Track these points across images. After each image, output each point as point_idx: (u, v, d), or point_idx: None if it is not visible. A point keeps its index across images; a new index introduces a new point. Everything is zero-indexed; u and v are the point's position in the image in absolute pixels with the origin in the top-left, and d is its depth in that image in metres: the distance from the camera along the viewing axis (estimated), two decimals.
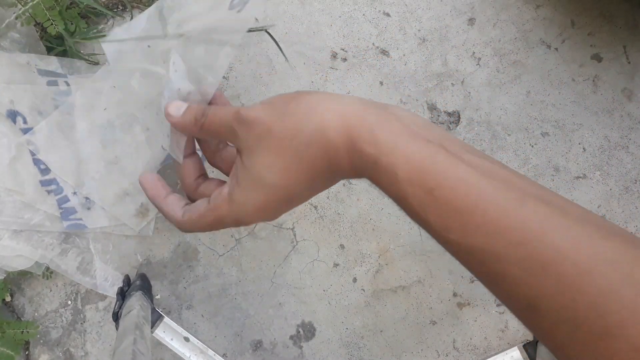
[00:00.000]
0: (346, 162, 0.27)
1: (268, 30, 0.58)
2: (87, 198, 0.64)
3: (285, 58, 0.63)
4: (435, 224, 0.23)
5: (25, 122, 0.63)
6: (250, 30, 0.59)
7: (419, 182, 0.23)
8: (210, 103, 0.36)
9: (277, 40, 0.61)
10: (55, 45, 0.62)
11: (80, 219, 0.64)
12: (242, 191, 0.29)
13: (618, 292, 0.18)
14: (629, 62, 0.63)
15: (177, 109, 0.33)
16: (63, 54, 0.62)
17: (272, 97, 0.28)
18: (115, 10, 0.66)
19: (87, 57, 0.64)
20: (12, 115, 0.63)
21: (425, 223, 0.23)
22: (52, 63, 0.63)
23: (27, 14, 0.60)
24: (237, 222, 0.30)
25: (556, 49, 0.64)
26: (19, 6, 0.60)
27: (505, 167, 0.23)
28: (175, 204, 0.33)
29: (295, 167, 0.28)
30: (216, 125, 0.30)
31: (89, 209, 0.64)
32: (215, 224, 0.31)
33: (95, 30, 0.65)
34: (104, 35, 0.65)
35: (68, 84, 0.64)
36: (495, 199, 0.22)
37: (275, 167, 0.28)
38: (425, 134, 0.24)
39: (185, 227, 0.33)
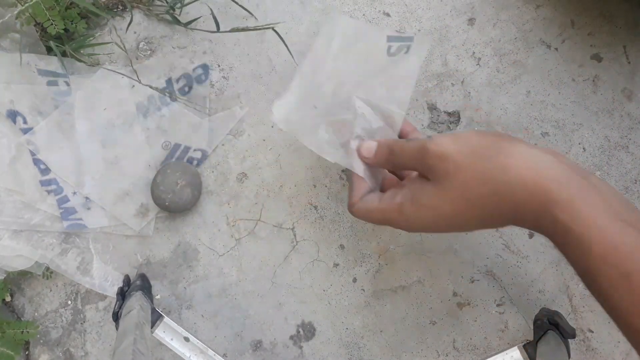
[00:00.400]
0: (530, 220, 0.27)
1: (275, 29, 0.58)
2: (87, 198, 0.64)
3: (292, 56, 0.63)
4: (626, 309, 0.22)
5: (25, 122, 0.63)
6: (255, 29, 0.58)
7: (614, 262, 0.22)
8: (400, 132, 0.41)
9: (276, 40, 0.62)
10: (55, 45, 0.62)
11: (80, 219, 0.64)
12: (416, 209, 0.32)
13: None
14: (629, 62, 0.63)
15: (369, 150, 0.37)
16: (63, 54, 0.62)
17: (468, 134, 0.30)
18: (115, 10, 0.66)
19: (85, 59, 0.64)
20: (12, 115, 0.63)
21: (612, 305, 0.23)
22: (52, 63, 0.63)
23: (27, 13, 0.60)
24: (401, 228, 0.34)
25: (556, 49, 0.64)
26: (19, 6, 0.60)
27: None
28: (361, 188, 0.38)
29: (474, 212, 0.29)
30: (405, 159, 0.33)
31: (89, 209, 0.64)
32: (379, 222, 0.36)
33: (91, 38, 0.64)
34: (99, 44, 0.65)
35: (68, 84, 0.64)
36: None
37: (455, 205, 0.30)
38: (626, 215, 0.24)
39: (353, 211, 0.39)
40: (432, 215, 0.31)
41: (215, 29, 0.62)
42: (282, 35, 0.60)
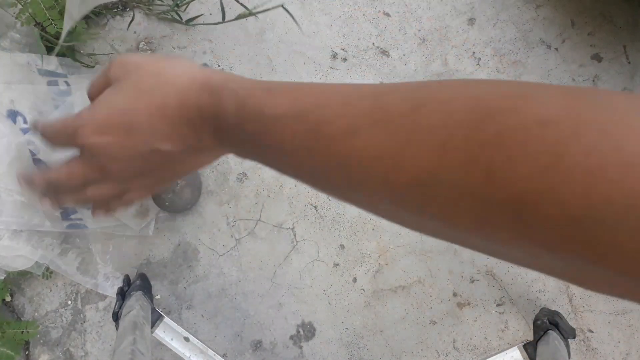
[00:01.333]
0: (207, 111, 0.28)
1: (284, 6, 0.57)
2: None
3: (300, 29, 0.63)
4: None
5: (25, 122, 0.63)
6: (262, 11, 0.57)
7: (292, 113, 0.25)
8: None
9: (276, 40, 0.61)
10: (55, 45, 0.62)
11: (81, 219, 0.64)
12: (89, 108, 0.31)
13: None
14: (629, 62, 0.63)
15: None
16: (63, 54, 0.62)
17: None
18: (115, 10, 0.66)
19: (85, 59, 0.64)
20: (13, 115, 0.63)
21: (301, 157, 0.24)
22: (52, 63, 0.63)
23: (27, 13, 0.60)
24: (77, 136, 0.31)
25: (556, 49, 0.64)
26: (19, 6, 0.60)
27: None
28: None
29: (143, 100, 0.29)
30: (96, 83, 0.32)
31: (89, 208, 0.64)
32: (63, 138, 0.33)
33: (91, 33, 0.64)
34: (98, 33, 0.65)
35: (68, 84, 0.64)
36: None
37: (127, 95, 0.30)
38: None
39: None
40: (106, 109, 0.30)
41: (215, 26, 0.62)
42: (282, 35, 0.60)
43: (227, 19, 0.61)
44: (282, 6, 0.55)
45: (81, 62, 0.63)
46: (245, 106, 0.25)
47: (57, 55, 0.61)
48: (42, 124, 0.34)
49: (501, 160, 0.16)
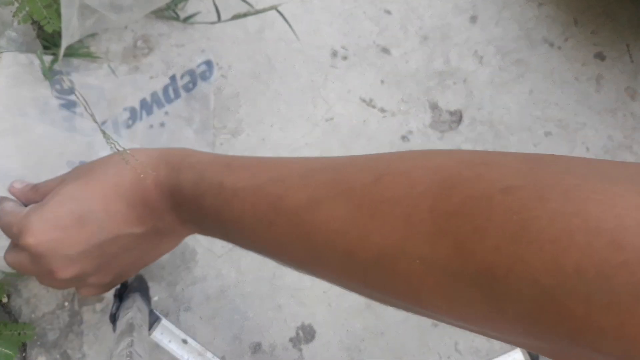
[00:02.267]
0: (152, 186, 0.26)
1: (278, 9, 0.57)
2: None
3: (296, 37, 0.62)
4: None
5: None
6: (257, 12, 0.57)
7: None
8: None
9: (275, 38, 0.61)
10: (53, 44, 0.62)
11: None
12: (36, 207, 0.28)
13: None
14: (632, 61, 0.63)
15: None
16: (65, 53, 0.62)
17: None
18: None
19: (83, 56, 0.64)
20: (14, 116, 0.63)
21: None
22: (54, 62, 0.62)
23: (24, 11, 0.59)
24: (21, 237, 0.27)
25: (559, 47, 0.63)
26: (16, 4, 0.59)
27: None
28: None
29: (96, 184, 0.27)
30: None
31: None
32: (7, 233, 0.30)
33: (86, 48, 0.64)
34: (92, 55, 0.65)
35: (71, 82, 0.63)
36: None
37: (75, 183, 0.28)
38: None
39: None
40: (53, 203, 0.28)
41: (214, 24, 0.61)
42: (281, 33, 0.60)
43: (225, 17, 0.61)
44: (277, 9, 0.55)
45: (84, 56, 0.63)
46: (204, 179, 0.24)
47: (54, 53, 0.61)
48: None
49: (468, 232, 0.15)
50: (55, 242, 0.27)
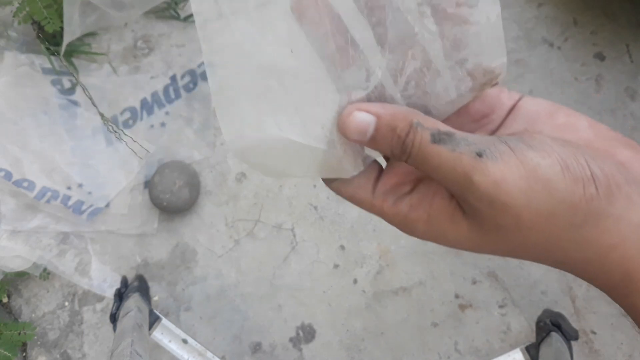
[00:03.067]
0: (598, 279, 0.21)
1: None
2: (80, 184, 0.63)
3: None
4: None
5: None
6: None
7: None
8: (469, 109, 0.22)
9: None
10: (52, 44, 0.62)
11: (91, 205, 0.63)
12: (432, 234, 0.21)
13: None
14: (632, 61, 0.63)
15: (359, 128, 0.20)
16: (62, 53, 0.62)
17: (549, 170, 0.18)
18: None
19: (84, 57, 0.64)
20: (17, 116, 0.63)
21: None
22: (55, 62, 0.63)
23: (24, 11, 0.59)
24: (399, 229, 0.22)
25: (559, 47, 0.63)
26: (16, 4, 0.59)
27: None
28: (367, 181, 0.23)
29: (519, 256, 0.21)
30: (430, 170, 0.20)
31: (90, 192, 0.64)
32: (367, 210, 0.24)
33: (87, 46, 0.64)
34: (94, 53, 0.65)
35: (71, 82, 0.63)
36: None
37: (496, 251, 0.20)
38: None
39: (332, 187, 0.24)
40: (454, 245, 0.22)
41: None
42: None
43: None
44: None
45: (86, 54, 0.63)
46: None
47: (56, 53, 0.61)
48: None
49: None
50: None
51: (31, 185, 0.62)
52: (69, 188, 0.63)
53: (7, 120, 0.63)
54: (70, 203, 0.63)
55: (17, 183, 0.61)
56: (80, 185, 0.64)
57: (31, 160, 0.62)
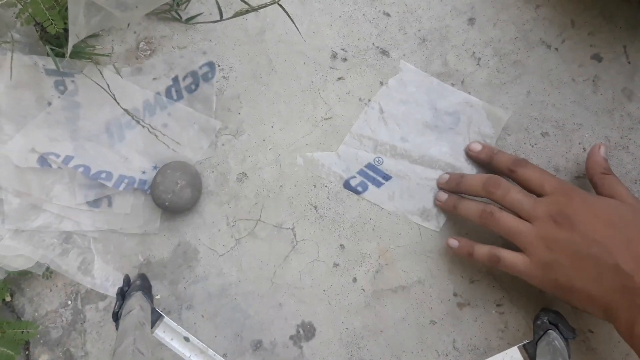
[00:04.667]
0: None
1: (280, 4, 0.57)
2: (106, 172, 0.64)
3: (299, 32, 0.62)
4: None
5: None
6: (259, 8, 0.57)
7: None
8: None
9: (275, 40, 0.61)
10: (55, 45, 0.62)
11: (128, 176, 0.63)
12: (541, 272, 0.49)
13: None
14: (629, 62, 0.63)
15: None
16: (62, 54, 0.62)
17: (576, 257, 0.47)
18: None
19: (86, 58, 0.64)
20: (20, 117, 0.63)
21: None
22: (59, 63, 0.63)
23: (27, 13, 0.60)
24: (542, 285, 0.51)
25: (556, 48, 0.64)
26: (19, 5, 0.60)
27: None
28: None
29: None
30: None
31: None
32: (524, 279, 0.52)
33: (91, 48, 0.64)
34: (99, 54, 0.65)
35: (74, 83, 0.64)
36: None
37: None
38: None
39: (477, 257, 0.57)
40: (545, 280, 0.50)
41: (215, 26, 0.62)
42: (281, 35, 0.60)
43: (226, 16, 0.61)
44: (278, 3, 0.55)
45: (87, 55, 0.63)
46: None
47: (57, 55, 0.61)
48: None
49: None
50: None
51: (108, 176, 0.63)
52: (144, 172, 0.64)
53: (10, 120, 0.63)
54: (146, 187, 0.64)
55: (95, 176, 0.63)
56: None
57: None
